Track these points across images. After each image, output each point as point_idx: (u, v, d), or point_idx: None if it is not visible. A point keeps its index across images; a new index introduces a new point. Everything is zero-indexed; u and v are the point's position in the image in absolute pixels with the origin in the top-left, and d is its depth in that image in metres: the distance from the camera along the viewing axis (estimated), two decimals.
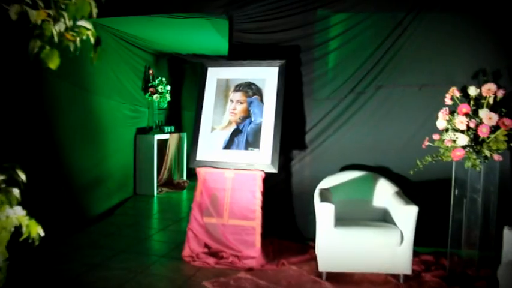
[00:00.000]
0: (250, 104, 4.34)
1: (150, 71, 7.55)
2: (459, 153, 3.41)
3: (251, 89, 4.39)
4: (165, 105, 7.76)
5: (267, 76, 4.38)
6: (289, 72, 4.50)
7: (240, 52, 4.80)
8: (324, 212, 3.60)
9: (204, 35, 6.55)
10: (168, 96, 7.67)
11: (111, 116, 6.38)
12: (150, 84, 7.45)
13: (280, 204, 4.71)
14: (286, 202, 4.72)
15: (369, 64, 4.49)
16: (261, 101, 4.32)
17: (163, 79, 7.62)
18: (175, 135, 8.02)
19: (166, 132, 7.83)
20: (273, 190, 4.59)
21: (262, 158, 4.15)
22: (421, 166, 3.78)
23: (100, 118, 6.06)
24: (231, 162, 4.20)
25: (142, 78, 7.51)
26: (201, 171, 4.25)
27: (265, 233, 4.23)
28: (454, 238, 3.81)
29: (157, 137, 7.42)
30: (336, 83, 4.59)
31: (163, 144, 7.91)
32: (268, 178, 4.17)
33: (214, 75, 4.52)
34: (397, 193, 3.99)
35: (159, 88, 7.46)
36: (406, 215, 3.59)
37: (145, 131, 7.45)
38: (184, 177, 8.39)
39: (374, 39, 4.50)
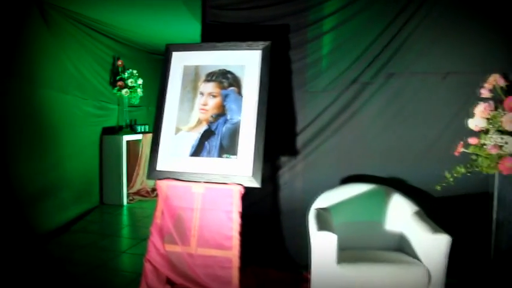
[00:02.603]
0: (225, 97, 3.36)
1: (119, 62, 6.54)
2: (510, 165, 2.46)
3: (227, 79, 3.40)
4: (136, 102, 6.75)
5: (247, 62, 3.39)
6: (276, 57, 3.52)
7: (216, 34, 3.83)
8: (323, 245, 2.63)
9: (181, 23, 5.62)
10: (140, 91, 6.66)
11: (67, 114, 5.38)
12: (118, 77, 6.45)
13: (265, 225, 3.74)
14: (272, 222, 3.75)
15: (377, 46, 3.52)
16: (240, 93, 3.34)
17: (135, 71, 6.62)
18: (150, 136, 7.00)
19: (139, 132, 6.84)
20: (256, 207, 3.64)
21: (241, 168, 3.17)
22: (451, 179, 2.84)
23: (52, 116, 5.06)
24: (200, 173, 3.22)
25: (110, 71, 6.52)
26: (162, 185, 3.27)
27: (246, 260, 3.28)
28: (497, 271, 2.88)
29: (127, 137, 6.43)
30: (335, 71, 3.63)
31: (135, 146, 6.91)
32: (249, 192, 3.19)
33: (181, 61, 3.53)
34: (418, 214, 3.04)
35: (129, 82, 6.45)
36: (435, 247, 2.64)
37: (113, 131, 6.45)
38: None
39: (383, 16, 3.53)
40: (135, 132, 6.76)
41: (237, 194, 3.11)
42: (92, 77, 5.97)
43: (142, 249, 4.32)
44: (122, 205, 6.27)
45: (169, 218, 3.23)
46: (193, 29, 5.50)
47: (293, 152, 3.69)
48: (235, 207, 3.11)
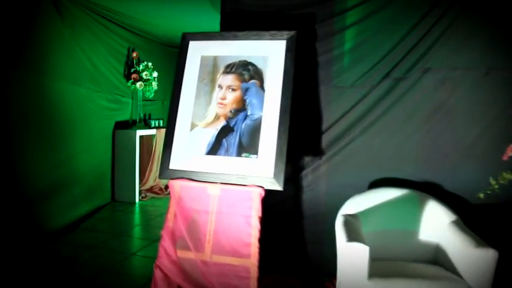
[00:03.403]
0: (245, 91, 3.09)
1: (134, 54, 6.31)
2: None
3: (248, 71, 3.12)
4: (151, 95, 6.52)
5: (270, 53, 3.11)
6: (300, 48, 3.24)
7: (236, 23, 3.58)
8: (353, 258, 2.35)
9: (200, 14, 5.36)
10: (154, 85, 6.43)
11: (79, 107, 5.18)
12: (133, 70, 6.23)
13: (285, 229, 3.48)
14: (294, 226, 3.48)
15: (411, 39, 3.22)
16: (261, 87, 3.06)
17: (150, 64, 6.38)
18: (164, 131, 6.74)
19: (153, 127, 6.61)
20: (276, 210, 3.38)
21: (262, 169, 2.89)
22: (496, 186, 2.54)
23: (64, 109, 4.85)
24: (217, 173, 2.96)
25: (125, 63, 6.30)
26: (175, 185, 3.02)
27: (264, 267, 3.00)
28: None
29: (141, 132, 6.20)
30: (364, 65, 3.33)
31: (148, 141, 6.68)
32: (268, 194, 2.89)
33: (198, 51, 3.26)
34: (456, 223, 2.74)
35: (144, 74, 6.22)
36: (479, 263, 2.35)
37: (126, 126, 6.23)
38: None
39: (416, 7, 3.23)
40: (149, 127, 6.54)
41: (257, 197, 2.83)
42: (105, 69, 5.76)
43: (153, 251, 4.09)
44: (134, 202, 6.05)
45: (182, 222, 2.97)
46: (212, 20, 5.25)
47: (317, 152, 3.41)
48: (254, 211, 2.83)
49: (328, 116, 3.40)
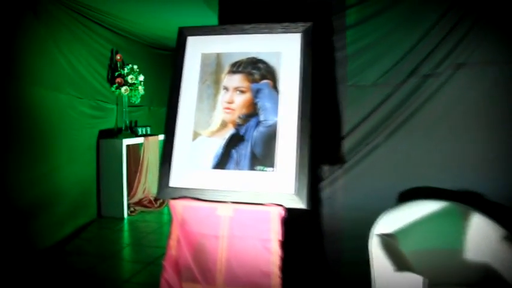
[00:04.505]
0: (256, 93, 2.66)
1: (118, 56, 5.84)
2: None
3: (258, 70, 2.70)
4: (137, 101, 6.03)
5: (283, 48, 2.70)
6: (315, 43, 2.82)
7: (237, 14, 3.15)
8: None
9: (191, 12, 4.93)
10: (141, 89, 5.95)
11: (60, 115, 4.69)
12: (117, 74, 5.75)
13: (302, 249, 3.05)
14: (311, 245, 3.06)
15: (441, 30, 2.83)
16: (275, 88, 2.64)
17: (135, 67, 5.91)
18: (152, 139, 6.29)
19: (140, 135, 6.12)
20: (290, 227, 2.93)
21: (281, 184, 2.48)
22: None
23: (42, 118, 4.37)
24: (227, 190, 2.53)
25: (108, 66, 5.82)
26: (177, 206, 2.57)
27: None
28: None
29: (127, 141, 5.71)
30: (387, 61, 2.92)
31: (135, 150, 6.20)
32: None
33: (198, 48, 2.83)
34: (508, 240, 2.35)
35: (129, 78, 5.75)
36: None
37: (111, 134, 5.75)
38: None
39: None
40: (135, 135, 6.05)
41: (276, 217, 2.41)
42: (87, 73, 5.27)
43: (149, 276, 3.65)
44: (122, 218, 5.55)
45: (187, 249, 2.53)
46: (205, 18, 4.83)
47: (335, 161, 2.99)
48: (273, 234, 2.41)
49: (347, 119, 2.99)
